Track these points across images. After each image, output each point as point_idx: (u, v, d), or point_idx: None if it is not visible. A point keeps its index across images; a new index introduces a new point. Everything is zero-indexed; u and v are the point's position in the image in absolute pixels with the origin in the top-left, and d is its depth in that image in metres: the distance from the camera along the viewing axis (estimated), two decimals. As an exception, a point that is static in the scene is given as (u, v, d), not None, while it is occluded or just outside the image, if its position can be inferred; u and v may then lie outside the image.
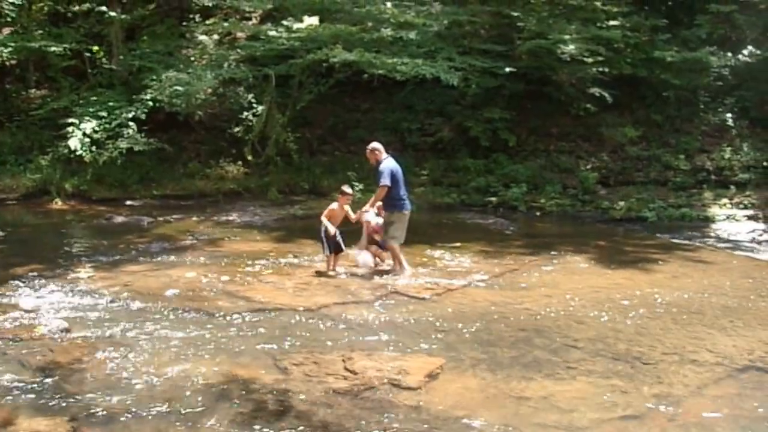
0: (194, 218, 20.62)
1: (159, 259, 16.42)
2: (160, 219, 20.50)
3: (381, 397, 9.62)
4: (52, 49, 24.45)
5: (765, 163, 24.56)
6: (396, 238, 15.36)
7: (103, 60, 25.77)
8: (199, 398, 9.48)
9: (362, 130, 23.80)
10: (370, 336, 11.84)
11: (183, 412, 9.09)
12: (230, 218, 20.71)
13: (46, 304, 13.00)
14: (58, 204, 22.20)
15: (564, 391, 9.86)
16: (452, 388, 9.98)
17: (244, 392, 9.68)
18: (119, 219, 20.60)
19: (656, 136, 25.56)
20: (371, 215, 15.32)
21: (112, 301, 13.23)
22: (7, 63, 26.08)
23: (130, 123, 23.33)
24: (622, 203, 21.97)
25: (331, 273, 15.22)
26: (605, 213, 21.80)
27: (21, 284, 14.18)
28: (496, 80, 24.19)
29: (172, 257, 16.56)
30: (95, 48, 25.57)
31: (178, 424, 8.82)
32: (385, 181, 14.92)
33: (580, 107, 25.12)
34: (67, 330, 11.76)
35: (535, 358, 11.02)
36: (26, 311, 12.63)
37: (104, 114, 23.48)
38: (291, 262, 15.84)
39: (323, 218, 15.06)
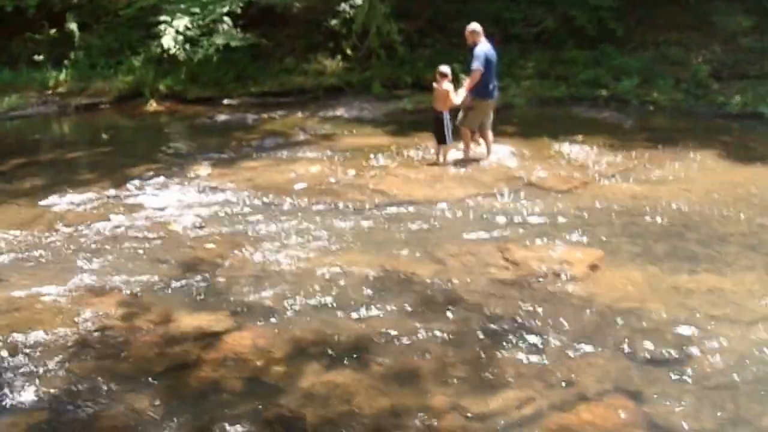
0: (299, 114, 20.15)
1: (276, 154, 15.98)
2: (265, 116, 19.99)
3: (549, 288, 9.33)
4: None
5: None
6: (471, 125, 14.92)
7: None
8: (360, 290, 9.21)
9: (463, 21, 22.65)
10: (520, 228, 11.41)
11: (347, 304, 8.83)
12: (337, 113, 20.18)
13: (174, 202, 12.83)
14: (153, 106, 21.59)
15: (729, 284, 9.49)
16: (616, 279, 9.64)
17: (405, 283, 9.37)
18: (222, 117, 20.20)
19: (771, 25, 23.97)
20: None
21: (239, 197, 12.91)
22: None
23: (225, 18, 22.39)
24: (737, 98, 20.87)
25: (444, 163, 14.89)
26: (720, 108, 20.84)
27: (142, 184, 13.90)
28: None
29: (289, 152, 16.10)
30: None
31: (343, 316, 8.59)
32: (479, 64, 14.40)
33: (690, -6, 23.74)
34: (202, 226, 11.51)
35: (692, 252, 10.60)
36: (155, 209, 12.42)
37: (197, 10, 22.54)
38: (413, 155, 15.38)
39: (452, 95, 14.56)
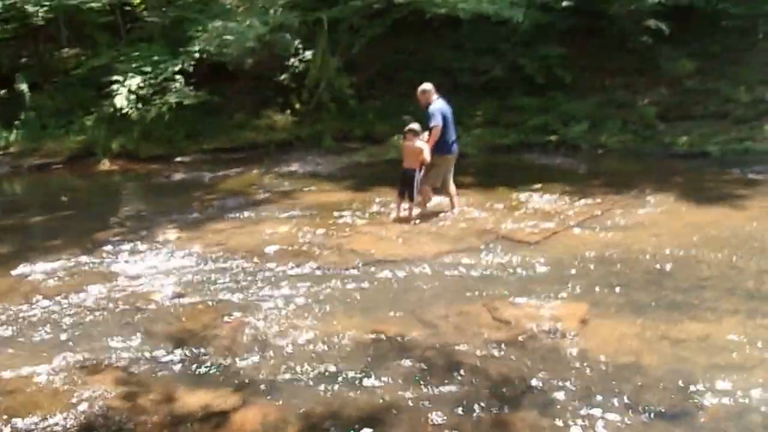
0: (254, 171, 20.04)
1: (240, 214, 15.84)
2: (220, 174, 19.81)
3: (546, 346, 9.32)
4: (91, 4, 23.30)
5: (828, 94, 23.29)
6: (434, 182, 15.02)
7: (144, 13, 24.55)
8: (358, 358, 9.10)
9: (412, 72, 22.97)
10: (500, 284, 11.43)
11: (348, 373, 8.75)
12: (292, 168, 20.12)
13: (149, 269, 12.52)
14: (105, 165, 21.40)
15: (718, 332, 9.61)
16: (608, 333, 9.69)
17: (401, 349, 9.28)
18: (178, 176, 20.03)
19: (714, 68, 24.73)
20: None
21: (214, 262, 12.72)
22: (38, 23, 24.61)
23: (177, 76, 22.32)
24: (684, 138, 21.31)
25: (410, 219, 14.92)
26: (668, 149, 21.28)
27: (111, 250, 13.63)
28: (548, 16, 23.27)
29: (253, 212, 15.99)
30: (137, 0, 24.42)
31: (347, 386, 8.48)
32: (437, 121, 14.46)
33: (635, 40, 24.22)
34: (181, 295, 11.29)
35: (673, 300, 10.71)
36: (131, 277, 12.14)
37: (148, 69, 22.62)
38: (378, 210, 15.30)
39: (425, 153, 14.46)
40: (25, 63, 25.83)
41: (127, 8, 25.15)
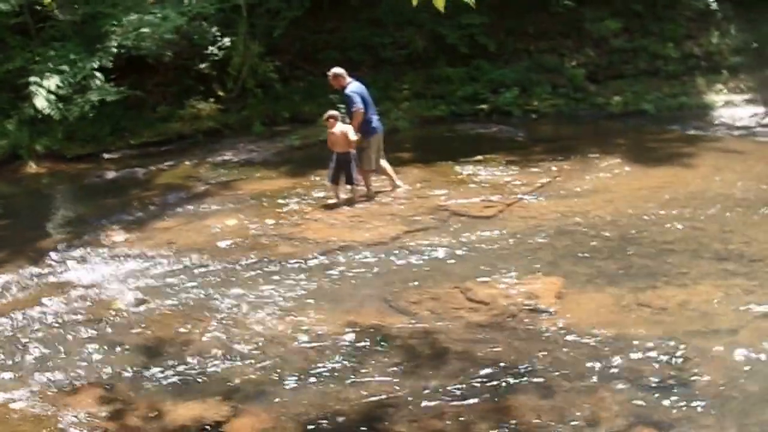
0: (187, 162, 19.58)
1: (183, 210, 15.35)
2: (153, 168, 19.29)
3: (527, 325, 9.23)
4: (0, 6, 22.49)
5: (754, 45, 23.86)
6: (370, 165, 14.75)
7: (56, 12, 23.79)
8: (342, 353, 8.87)
9: (333, 51, 22.66)
10: (465, 262, 11.27)
11: (335, 370, 8.52)
12: (225, 158, 19.75)
13: (103, 276, 11.92)
14: (32, 168, 20.57)
15: (695, 296, 9.65)
16: (586, 306, 9.62)
17: (383, 340, 9.07)
18: (110, 174, 19.45)
19: (639, 26, 24.71)
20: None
21: (169, 263, 12.23)
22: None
23: (96, 73, 21.65)
24: (617, 98, 21.26)
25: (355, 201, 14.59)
26: (602, 109, 21.17)
27: (59, 258, 12.96)
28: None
29: (196, 207, 15.46)
30: (47, 0, 23.65)
31: (338, 384, 8.21)
32: (358, 104, 14.17)
33: (558, 3, 24.08)
34: (144, 301, 10.77)
35: (644, 267, 10.72)
36: (86, 286, 11.53)
37: (66, 68, 21.90)
38: (324, 195, 14.92)
39: (351, 134, 14.27)
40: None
41: (37, 7, 24.15)
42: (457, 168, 16.44)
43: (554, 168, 15.94)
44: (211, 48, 23.04)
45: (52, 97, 21.09)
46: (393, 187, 14.99)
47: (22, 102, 21.50)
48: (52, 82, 21.08)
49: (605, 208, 13.09)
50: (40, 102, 20.75)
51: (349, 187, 14.46)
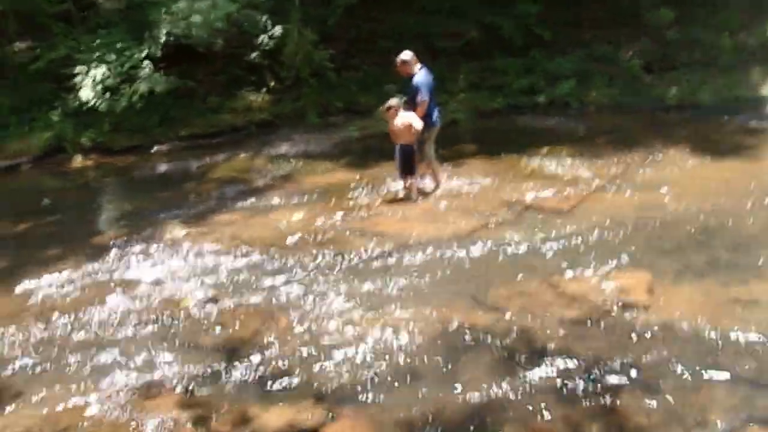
0: (242, 155, 19.29)
1: (244, 204, 15.03)
2: (206, 161, 19.02)
3: (623, 320, 8.94)
4: (43, -7, 22.14)
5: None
6: (430, 155, 14.44)
7: (100, -1, 23.44)
8: (433, 353, 8.49)
9: (388, 41, 22.25)
10: (549, 258, 10.97)
11: (428, 371, 8.15)
12: (281, 150, 19.41)
13: (166, 272, 11.54)
14: (78, 161, 20.24)
15: None
16: (679, 301, 9.27)
17: (474, 338, 8.73)
18: (162, 167, 19.18)
19: (694, 16, 24.26)
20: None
21: (236, 259, 11.86)
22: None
23: (145, 62, 21.22)
24: (673, 90, 20.87)
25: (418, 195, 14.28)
26: (658, 101, 20.74)
27: (119, 254, 12.63)
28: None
29: (257, 200, 15.17)
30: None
31: (436, 385, 7.86)
32: (425, 94, 13.78)
33: (615, -8, 23.59)
34: (215, 299, 10.37)
35: (730, 261, 10.43)
36: (151, 284, 11.16)
37: (112, 57, 21.53)
38: (389, 188, 14.69)
39: (417, 123, 13.81)
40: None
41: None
42: (524, 160, 16.13)
43: (621, 160, 15.64)
44: (262, 36, 22.41)
45: (99, 87, 20.51)
46: (436, 184, 14.50)
47: (67, 93, 21.08)
48: (99, 71, 20.83)
49: (680, 201, 12.78)
50: (87, 93, 20.34)
51: (414, 180, 13.97)
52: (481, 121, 20.34)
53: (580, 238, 11.46)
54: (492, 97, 21.80)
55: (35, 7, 23.48)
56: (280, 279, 10.89)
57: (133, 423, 7.59)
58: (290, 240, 12.43)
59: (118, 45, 21.89)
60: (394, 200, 14.10)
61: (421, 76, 13.98)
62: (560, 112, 20.70)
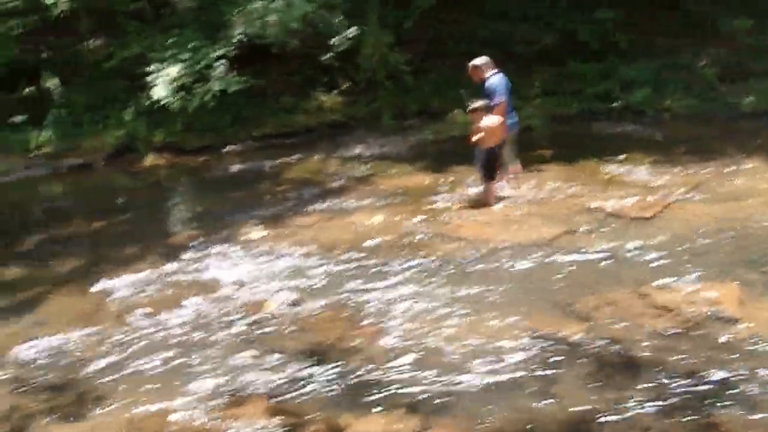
0: (316, 156, 19.31)
1: (321, 206, 15.00)
2: (279, 162, 19.06)
3: (716, 333, 8.80)
4: (118, -8, 22.23)
5: None
6: (506, 159, 14.14)
7: (175, -2, 23.51)
8: (525, 362, 8.41)
9: (461, 45, 22.19)
10: (635, 267, 10.83)
11: (522, 381, 8.07)
12: (356, 152, 19.43)
13: (246, 274, 11.51)
14: (150, 160, 20.36)
15: None
16: None
17: (565, 349, 8.67)
18: (234, 167, 19.18)
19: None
20: None
21: (316, 262, 11.85)
22: (59, 14, 23.46)
23: (218, 62, 21.26)
24: (749, 98, 20.57)
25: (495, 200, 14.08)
26: (734, 109, 20.51)
27: (196, 255, 12.63)
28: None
29: (334, 202, 15.14)
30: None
31: (531, 396, 7.77)
32: (501, 96, 13.75)
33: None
34: (298, 302, 10.31)
35: None
36: (230, 285, 11.16)
37: (186, 56, 21.53)
38: (468, 192, 14.55)
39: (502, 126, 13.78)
40: (47, 58, 24.52)
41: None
42: (602, 167, 15.97)
43: (700, 168, 15.45)
44: (336, 37, 22.36)
45: (172, 86, 20.51)
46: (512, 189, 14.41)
47: (140, 91, 21.16)
48: (173, 70, 20.72)
49: (764, 211, 12.62)
50: (159, 91, 20.38)
51: (494, 184, 13.93)
52: (556, 127, 20.08)
53: (664, 248, 11.31)
54: (567, 102, 21.64)
55: (109, 5, 23.34)
56: (363, 283, 10.80)
57: (221, 430, 7.55)
58: (371, 243, 12.38)
59: (192, 44, 21.88)
60: (473, 204, 13.97)
61: (494, 80, 13.89)
62: (635, 119, 20.52)
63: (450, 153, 17.13)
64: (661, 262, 10.87)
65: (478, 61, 14.24)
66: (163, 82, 20.76)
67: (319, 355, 8.93)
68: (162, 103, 20.82)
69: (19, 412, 8.38)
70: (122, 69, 22.62)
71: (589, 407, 7.50)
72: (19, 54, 22.98)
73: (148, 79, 21.07)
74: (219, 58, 21.18)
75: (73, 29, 24.30)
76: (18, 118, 22.33)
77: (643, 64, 22.91)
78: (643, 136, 19.20)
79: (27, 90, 23.52)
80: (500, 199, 14.03)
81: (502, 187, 14.28)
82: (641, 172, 15.59)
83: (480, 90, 14.16)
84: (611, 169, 15.88)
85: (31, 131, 21.70)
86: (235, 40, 21.06)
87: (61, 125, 21.96)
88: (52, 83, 23.09)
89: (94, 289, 11.65)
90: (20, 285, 12.24)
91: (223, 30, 21.40)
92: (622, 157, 16.64)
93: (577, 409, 7.48)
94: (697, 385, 7.79)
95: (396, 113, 21.92)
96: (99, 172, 20.29)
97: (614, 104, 21.51)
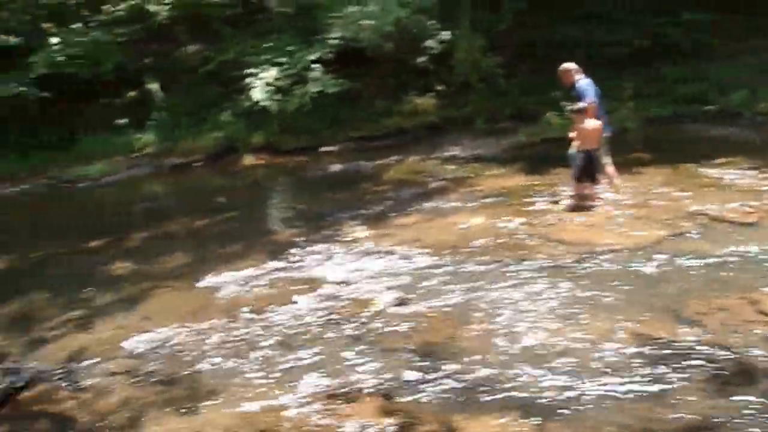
0: (412, 157, 19.43)
1: (421, 206, 15.18)
2: (377, 163, 19.22)
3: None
4: (215, -1, 22.71)
5: None
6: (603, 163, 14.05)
7: (272, 2, 23.94)
8: (636, 366, 8.39)
9: (550, 48, 22.16)
10: (743, 271, 10.65)
11: (632, 386, 8.02)
12: (452, 153, 19.57)
13: (352, 273, 11.69)
14: (249, 160, 20.70)
15: None
16: None
17: (675, 354, 8.60)
18: (334, 168, 19.41)
19: None
20: None
21: (421, 262, 11.99)
22: (161, 22, 24.11)
23: (314, 65, 21.57)
24: None
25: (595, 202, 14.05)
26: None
27: (301, 253, 12.93)
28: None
29: (434, 203, 15.32)
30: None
31: (644, 401, 7.72)
32: (591, 97, 13.76)
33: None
34: (405, 301, 10.39)
35: None
36: (337, 283, 11.30)
37: (283, 60, 21.91)
38: (568, 194, 14.40)
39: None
40: (149, 63, 25.12)
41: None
42: (701, 170, 15.84)
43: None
44: (430, 41, 22.55)
45: (271, 88, 20.80)
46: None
47: (237, 94, 21.59)
48: (271, 74, 21.12)
49: None
50: (258, 94, 20.74)
51: (594, 187, 14.05)
52: (650, 129, 20.02)
53: (768, 254, 10.81)
54: (660, 105, 21.48)
55: (204, 12, 23.83)
56: (468, 283, 10.90)
57: (335, 428, 7.63)
58: (474, 244, 12.45)
59: (289, 48, 22.20)
60: (572, 207, 14.01)
61: (584, 83, 14.00)
62: (731, 121, 20.29)
63: (545, 156, 17.27)
64: (765, 267, 10.70)
65: (568, 65, 14.45)
66: (261, 85, 21.08)
67: (429, 354, 8.98)
68: (261, 104, 20.91)
69: (135, 402, 8.69)
70: (217, 73, 22.87)
71: (706, 415, 7.44)
72: (126, 62, 23.33)
73: (246, 81, 21.39)
74: (315, 61, 21.39)
75: (173, 36, 24.70)
76: (122, 121, 22.63)
77: (735, 65, 22.54)
78: (741, 139, 19.02)
79: (130, 95, 23.90)
80: (600, 201, 13.98)
81: (601, 190, 14.07)
82: (741, 175, 15.42)
83: (570, 93, 14.21)
84: (710, 172, 15.74)
85: (133, 134, 22.19)
86: (331, 44, 21.02)
87: (162, 128, 22.66)
88: (153, 88, 23.41)
89: (200, 285, 12.01)
90: (128, 281, 12.70)
91: (319, 34, 21.45)
92: (720, 160, 16.46)
93: (693, 416, 7.44)
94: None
95: (489, 116, 21.78)
96: (197, 172, 20.69)
97: (708, 106, 21.02)
